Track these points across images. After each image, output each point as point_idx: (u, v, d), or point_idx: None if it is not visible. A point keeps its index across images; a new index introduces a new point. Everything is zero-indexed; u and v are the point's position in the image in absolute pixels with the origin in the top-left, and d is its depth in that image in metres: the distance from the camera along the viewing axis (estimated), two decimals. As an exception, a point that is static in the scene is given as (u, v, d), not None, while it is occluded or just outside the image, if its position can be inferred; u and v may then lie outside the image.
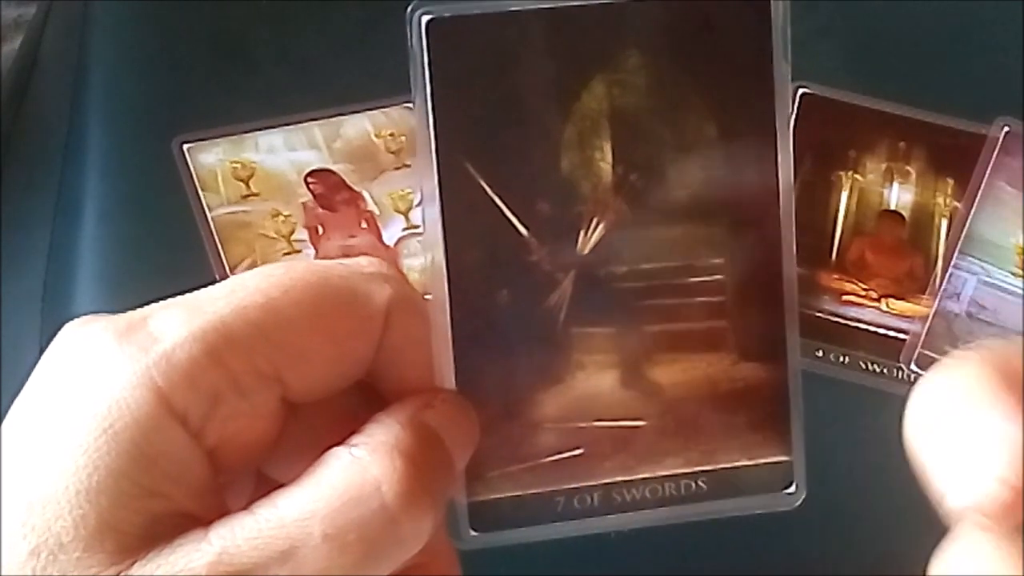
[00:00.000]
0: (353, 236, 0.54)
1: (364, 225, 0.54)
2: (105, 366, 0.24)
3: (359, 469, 0.24)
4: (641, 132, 0.29)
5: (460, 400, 0.28)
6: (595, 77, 0.28)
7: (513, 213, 0.28)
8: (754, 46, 0.29)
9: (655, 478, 0.29)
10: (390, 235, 0.54)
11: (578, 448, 0.29)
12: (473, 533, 0.29)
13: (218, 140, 0.55)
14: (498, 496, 0.29)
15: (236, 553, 0.23)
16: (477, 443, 0.28)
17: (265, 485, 0.26)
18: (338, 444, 0.25)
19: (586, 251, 0.29)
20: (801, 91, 0.56)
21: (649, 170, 0.29)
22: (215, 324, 0.24)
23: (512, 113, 0.28)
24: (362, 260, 0.27)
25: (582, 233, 0.29)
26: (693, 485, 0.30)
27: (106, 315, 0.25)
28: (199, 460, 0.25)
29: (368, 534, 0.24)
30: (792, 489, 0.30)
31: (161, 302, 0.25)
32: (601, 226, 0.29)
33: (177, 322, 0.24)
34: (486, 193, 0.28)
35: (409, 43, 0.27)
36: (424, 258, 0.28)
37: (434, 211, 0.28)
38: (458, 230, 0.28)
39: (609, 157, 0.29)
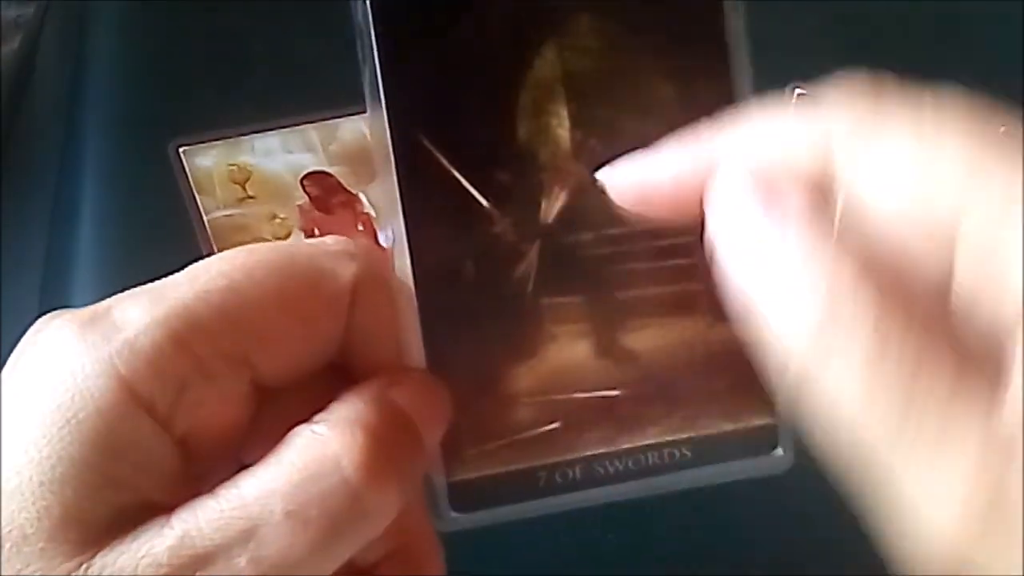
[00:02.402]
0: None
1: (361, 227, 0.54)
2: (68, 356, 0.24)
3: (319, 445, 0.24)
4: (597, 95, 0.28)
5: (428, 377, 0.28)
6: (546, 42, 0.28)
7: (473, 184, 0.28)
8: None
9: (637, 448, 0.29)
10: (386, 238, 0.54)
11: (556, 421, 0.28)
12: (454, 514, 0.28)
13: (214, 143, 0.55)
14: (477, 474, 0.28)
15: (198, 535, 0.23)
16: (449, 420, 0.28)
17: None
18: (302, 422, 0.25)
19: (550, 219, 0.28)
20: (797, 92, 0.55)
21: (608, 133, 0.28)
22: (177, 310, 0.24)
23: (465, 84, 0.27)
24: (328, 239, 0.27)
25: (544, 201, 0.28)
26: (677, 453, 0.29)
27: (74, 308, 0.25)
28: (168, 449, 0.24)
29: (330, 509, 0.23)
30: (779, 452, 0.29)
31: (126, 292, 0.25)
32: (563, 193, 0.28)
33: (139, 310, 0.24)
34: (444, 166, 0.27)
35: (355, 18, 0.27)
36: (384, 235, 0.28)
37: (392, 187, 0.27)
38: (417, 205, 0.27)
39: (566, 123, 0.28)
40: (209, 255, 0.25)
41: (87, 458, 0.23)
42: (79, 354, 0.24)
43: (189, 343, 0.24)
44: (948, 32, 0.59)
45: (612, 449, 0.29)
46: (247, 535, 0.23)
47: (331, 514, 0.24)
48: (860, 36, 0.59)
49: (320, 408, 0.26)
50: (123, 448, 0.23)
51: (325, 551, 0.24)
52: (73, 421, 0.23)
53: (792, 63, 0.58)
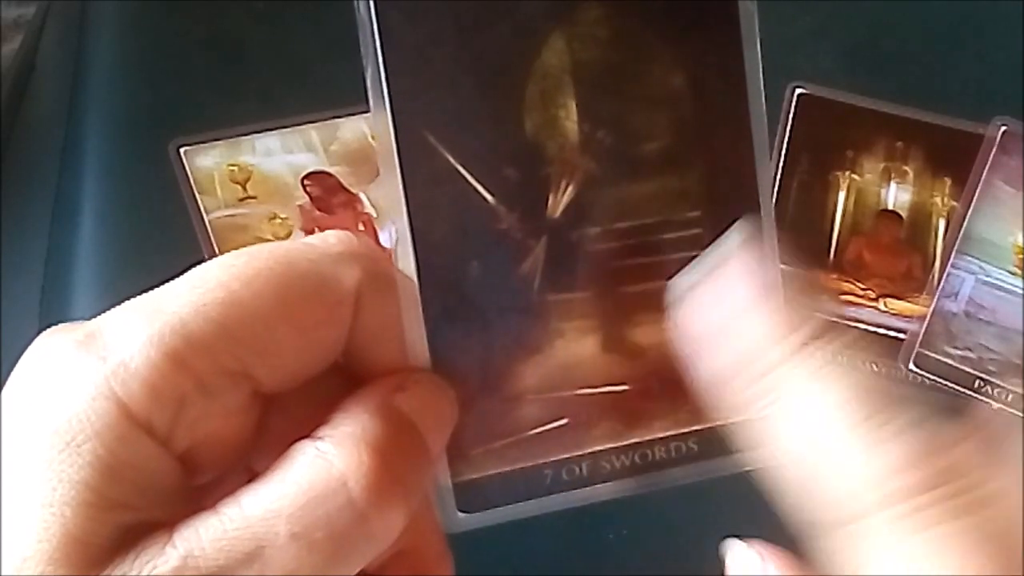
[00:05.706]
0: (350, 239, 0.54)
1: (361, 227, 0.54)
2: (65, 378, 0.23)
3: (324, 464, 0.24)
4: (606, 86, 0.27)
5: (435, 380, 0.27)
6: (554, 32, 0.27)
7: (478, 181, 0.27)
8: None
9: (644, 442, 0.29)
10: (387, 237, 0.54)
11: (562, 418, 0.28)
12: (461, 515, 0.28)
13: (215, 143, 0.55)
14: (484, 474, 0.28)
15: (201, 556, 0.22)
16: (455, 423, 0.27)
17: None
18: (305, 436, 0.25)
19: (557, 214, 0.28)
20: (798, 91, 0.55)
21: (616, 125, 0.28)
22: (174, 326, 0.23)
23: (470, 76, 0.27)
24: (330, 237, 0.26)
25: (551, 196, 0.27)
26: (683, 447, 0.29)
27: (72, 324, 0.24)
28: (169, 468, 0.24)
29: (336, 531, 0.23)
30: None
31: (122, 305, 0.24)
32: (570, 187, 0.27)
33: (134, 327, 0.23)
34: (449, 162, 0.27)
35: (357, 14, 0.26)
36: (385, 235, 0.27)
37: (396, 184, 0.26)
38: (422, 203, 0.27)
39: (574, 115, 0.27)
40: (210, 256, 0.25)
41: (87, 480, 0.22)
42: (76, 376, 0.23)
43: (187, 360, 0.23)
44: (948, 32, 0.59)
45: (619, 444, 0.28)
46: (252, 557, 0.22)
47: (337, 536, 0.23)
48: (860, 36, 0.59)
49: (327, 410, 0.25)
50: (123, 470, 0.23)
51: (331, 572, 0.23)
52: (72, 445, 0.23)
53: (792, 63, 0.58)
